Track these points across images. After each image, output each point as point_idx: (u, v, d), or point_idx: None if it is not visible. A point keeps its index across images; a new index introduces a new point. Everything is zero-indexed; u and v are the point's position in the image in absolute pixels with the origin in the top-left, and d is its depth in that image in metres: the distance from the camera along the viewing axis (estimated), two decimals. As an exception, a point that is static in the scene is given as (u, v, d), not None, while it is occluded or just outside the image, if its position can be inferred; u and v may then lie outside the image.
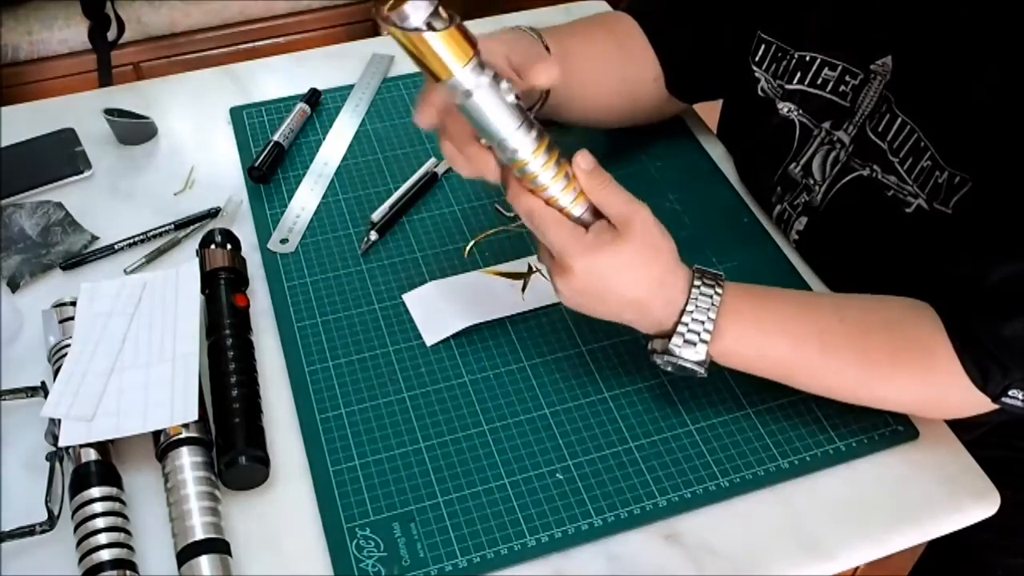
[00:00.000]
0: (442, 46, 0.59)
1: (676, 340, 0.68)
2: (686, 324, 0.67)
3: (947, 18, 0.70)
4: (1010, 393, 0.67)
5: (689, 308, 0.67)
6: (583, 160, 0.66)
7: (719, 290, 0.68)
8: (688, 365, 0.68)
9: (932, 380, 0.69)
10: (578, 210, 0.66)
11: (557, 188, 0.65)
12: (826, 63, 0.79)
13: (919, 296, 0.72)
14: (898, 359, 0.69)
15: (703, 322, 0.67)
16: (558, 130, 0.98)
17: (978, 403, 0.69)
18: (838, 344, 0.69)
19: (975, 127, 0.69)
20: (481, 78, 0.61)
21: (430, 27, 0.58)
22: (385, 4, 0.58)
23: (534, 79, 0.67)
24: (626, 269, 0.66)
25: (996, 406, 0.69)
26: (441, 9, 0.59)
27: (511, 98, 0.62)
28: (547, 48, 0.80)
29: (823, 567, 0.68)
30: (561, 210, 0.66)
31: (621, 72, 0.88)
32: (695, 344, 0.67)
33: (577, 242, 0.65)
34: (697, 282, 0.68)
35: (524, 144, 0.63)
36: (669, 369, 0.70)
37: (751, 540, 0.69)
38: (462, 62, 0.60)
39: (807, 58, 0.80)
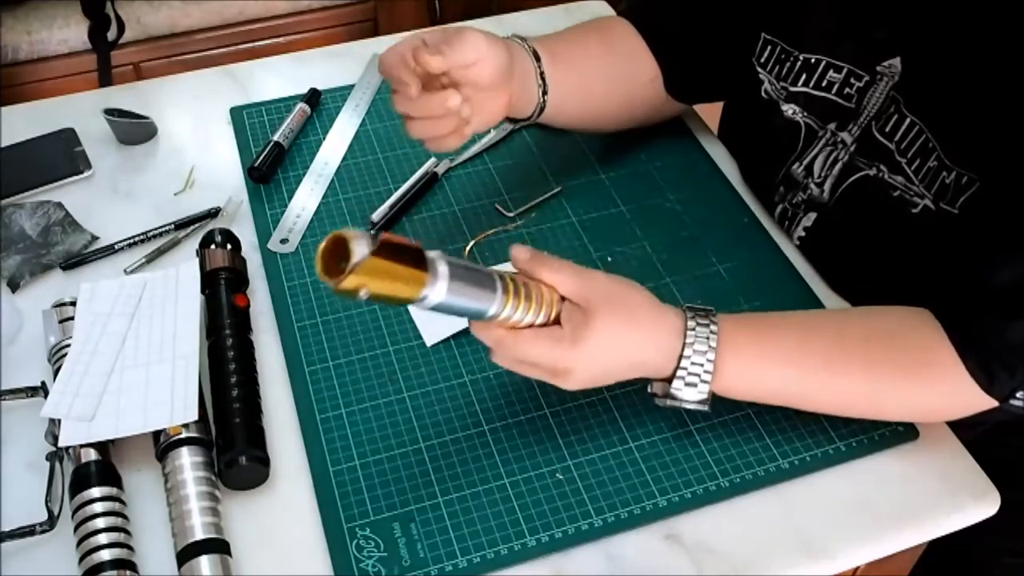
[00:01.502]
0: (396, 283, 0.57)
1: (677, 384, 0.67)
2: (685, 368, 0.66)
3: (956, 18, 0.70)
4: (1017, 395, 0.68)
5: (687, 353, 0.66)
6: (520, 252, 0.65)
7: (714, 327, 0.67)
8: (690, 407, 0.68)
9: (937, 389, 0.69)
10: (543, 319, 0.65)
11: (530, 317, 0.64)
12: (831, 65, 0.79)
13: (924, 297, 0.71)
14: (903, 373, 0.69)
15: (702, 364, 0.66)
16: (558, 132, 0.99)
17: (981, 403, 0.69)
18: (841, 366, 0.69)
19: (983, 127, 0.68)
20: (441, 273, 0.59)
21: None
22: (329, 276, 0.55)
23: (454, 51, 0.71)
24: (614, 339, 0.64)
25: (997, 404, 0.69)
26: (373, 239, 0.55)
27: (467, 268, 0.61)
28: (535, 54, 0.80)
29: (823, 567, 0.68)
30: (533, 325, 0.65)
31: (613, 73, 0.88)
32: (696, 385, 0.67)
33: (559, 344, 0.64)
34: (691, 323, 0.67)
35: (495, 306, 0.62)
36: (670, 408, 0.69)
37: (751, 540, 0.69)
38: (422, 283, 0.58)
39: (812, 60, 0.80)
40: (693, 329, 0.66)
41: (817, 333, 0.70)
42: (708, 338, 0.66)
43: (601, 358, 0.65)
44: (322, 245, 0.55)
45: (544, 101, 0.82)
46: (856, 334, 0.70)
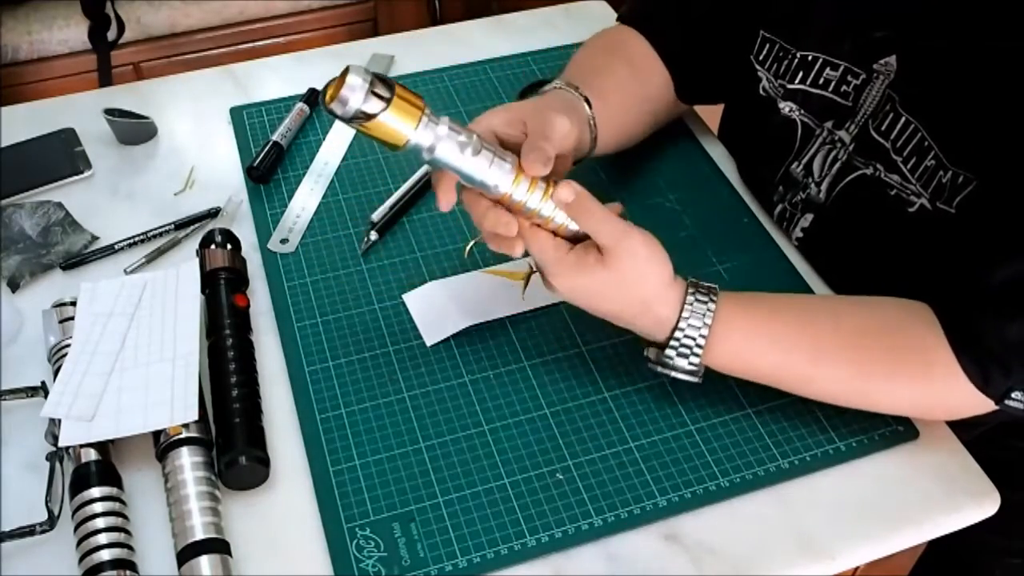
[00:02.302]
0: (390, 118, 0.59)
1: (669, 352, 0.69)
2: (678, 339, 0.68)
3: (952, 18, 0.70)
4: (1013, 396, 0.67)
5: (681, 325, 0.68)
6: (565, 192, 0.66)
7: (712, 305, 0.68)
8: (681, 376, 0.69)
9: (930, 384, 0.69)
10: (573, 224, 0.67)
11: (549, 208, 0.66)
12: (828, 63, 0.79)
13: (920, 296, 0.72)
14: (896, 365, 0.69)
15: (695, 337, 0.68)
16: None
17: (977, 404, 0.69)
18: (833, 354, 0.69)
19: (980, 127, 0.69)
20: (438, 129, 0.61)
21: (375, 97, 0.59)
22: (327, 95, 0.59)
23: (556, 143, 0.67)
24: (604, 292, 0.67)
25: (994, 405, 0.69)
26: (376, 81, 0.59)
27: (473, 138, 0.63)
28: (587, 100, 0.80)
29: (823, 567, 0.68)
30: (556, 228, 0.67)
31: (640, 96, 0.88)
32: (688, 356, 0.68)
33: (558, 262, 0.66)
34: (690, 298, 0.68)
35: (501, 178, 0.64)
36: (662, 375, 0.71)
37: (751, 540, 0.69)
38: (413, 124, 0.60)
39: (809, 58, 0.80)
40: (691, 304, 0.68)
41: (814, 321, 0.71)
42: (704, 316, 0.68)
43: (586, 296, 0.68)
44: (335, 82, 0.60)
45: (594, 145, 0.82)
46: (852, 325, 0.71)
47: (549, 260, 0.67)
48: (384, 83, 0.60)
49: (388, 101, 0.59)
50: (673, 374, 0.70)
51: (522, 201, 0.65)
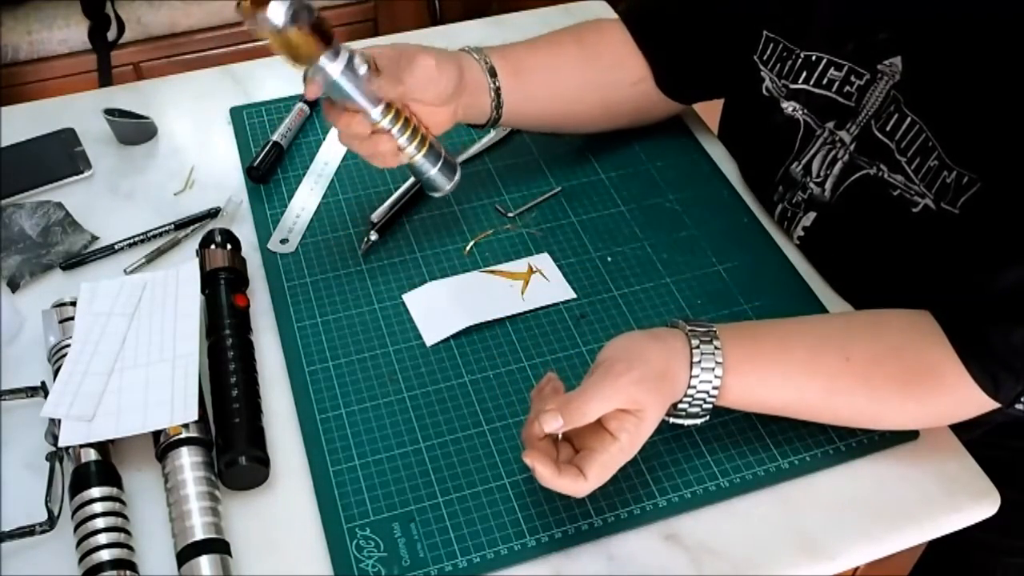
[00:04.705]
0: (304, 40, 0.69)
1: (682, 406, 0.68)
2: (691, 396, 0.67)
3: (958, 19, 0.70)
4: (1023, 400, 0.68)
5: (693, 383, 0.66)
6: (551, 424, 0.63)
7: (719, 356, 0.66)
8: (688, 423, 0.69)
9: (943, 398, 0.69)
10: (426, 154, 0.78)
11: (406, 141, 0.76)
12: (832, 63, 0.79)
13: (924, 297, 0.71)
14: (908, 388, 0.69)
15: (707, 392, 0.67)
16: (554, 134, 0.99)
17: (988, 406, 0.69)
18: (846, 389, 0.69)
19: (984, 128, 0.68)
20: (338, 63, 0.72)
21: (294, 21, 0.67)
22: (248, 6, 0.67)
23: (409, 83, 0.75)
24: (660, 416, 0.66)
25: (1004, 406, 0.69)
26: (298, 7, 0.68)
27: (365, 74, 0.73)
28: (492, 67, 0.82)
29: (823, 567, 0.68)
30: (412, 156, 0.77)
31: (589, 79, 0.88)
32: (698, 410, 0.68)
33: (622, 453, 0.64)
34: (696, 354, 0.66)
35: (376, 112, 0.74)
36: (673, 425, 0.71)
37: (751, 540, 0.69)
38: (321, 51, 0.71)
39: (813, 58, 0.80)
40: (699, 362, 0.66)
41: (822, 355, 0.70)
42: (714, 367, 0.67)
43: (649, 430, 0.65)
44: None
45: (498, 113, 0.83)
46: (863, 355, 0.69)
47: (618, 460, 0.64)
48: (306, 9, 0.69)
49: (307, 22, 0.69)
50: (686, 423, 0.69)
51: (388, 128, 0.75)
